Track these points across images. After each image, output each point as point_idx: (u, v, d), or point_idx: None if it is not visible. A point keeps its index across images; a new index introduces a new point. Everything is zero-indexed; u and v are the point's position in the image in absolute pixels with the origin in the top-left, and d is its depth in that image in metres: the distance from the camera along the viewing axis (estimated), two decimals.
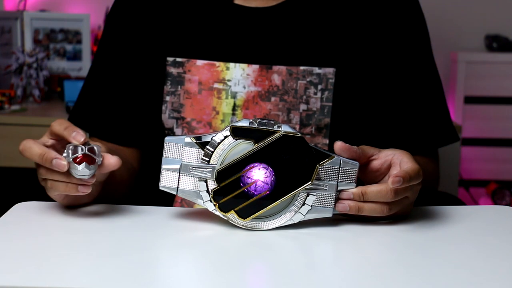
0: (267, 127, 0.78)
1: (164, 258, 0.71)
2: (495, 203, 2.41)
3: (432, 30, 1.16)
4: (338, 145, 0.81)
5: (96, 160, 0.79)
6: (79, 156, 0.78)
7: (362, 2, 1.07)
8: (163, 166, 0.80)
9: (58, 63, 2.40)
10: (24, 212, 0.85)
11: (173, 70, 1.06)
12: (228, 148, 0.78)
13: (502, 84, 2.44)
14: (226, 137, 0.79)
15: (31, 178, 2.40)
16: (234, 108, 1.05)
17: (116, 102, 1.10)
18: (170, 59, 1.07)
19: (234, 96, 1.05)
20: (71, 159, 0.78)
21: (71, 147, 0.79)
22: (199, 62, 1.05)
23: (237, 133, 0.78)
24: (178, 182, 0.80)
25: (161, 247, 0.74)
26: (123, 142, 1.10)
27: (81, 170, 0.78)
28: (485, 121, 2.46)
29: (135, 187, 1.27)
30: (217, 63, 1.05)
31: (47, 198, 0.91)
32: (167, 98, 1.07)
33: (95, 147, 0.80)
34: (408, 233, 0.81)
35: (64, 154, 0.79)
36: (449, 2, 2.54)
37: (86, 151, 0.79)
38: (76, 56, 2.41)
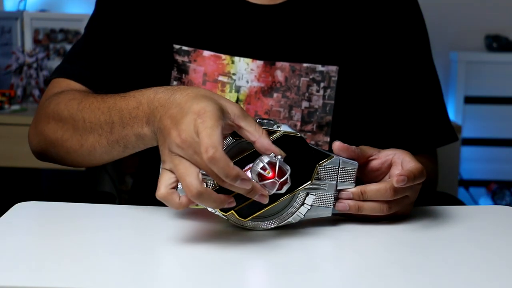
0: (267, 127, 0.78)
1: (164, 258, 0.71)
2: (495, 203, 2.41)
3: (432, 30, 1.16)
4: (337, 145, 0.81)
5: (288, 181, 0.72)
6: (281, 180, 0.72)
7: (365, 2, 1.08)
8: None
9: (58, 63, 2.39)
10: (24, 212, 0.85)
11: (178, 58, 1.06)
12: (228, 148, 0.78)
13: (502, 84, 2.44)
14: (225, 137, 0.78)
15: (31, 178, 2.40)
16: (236, 102, 1.04)
17: (121, 84, 1.04)
18: (176, 46, 1.06)
19: (238, 90, 1.05)
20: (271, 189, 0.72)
21: (267, 161, 0.72)
22: (206, 53, 1.05)
23: (237, 133, 0.78)
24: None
25: (161, 247, 0.74)
26: None
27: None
28: (485, 121, 2.46)
29: (134, 187, 1.27)
30: (223, 56, 1.05)
31: (47, 198, 0.91)
32: (174, 83, 1.06)
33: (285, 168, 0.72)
34: (408, 233, 0.81)
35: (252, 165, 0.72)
36: (449, 2, 2.54)
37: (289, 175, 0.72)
38: None
